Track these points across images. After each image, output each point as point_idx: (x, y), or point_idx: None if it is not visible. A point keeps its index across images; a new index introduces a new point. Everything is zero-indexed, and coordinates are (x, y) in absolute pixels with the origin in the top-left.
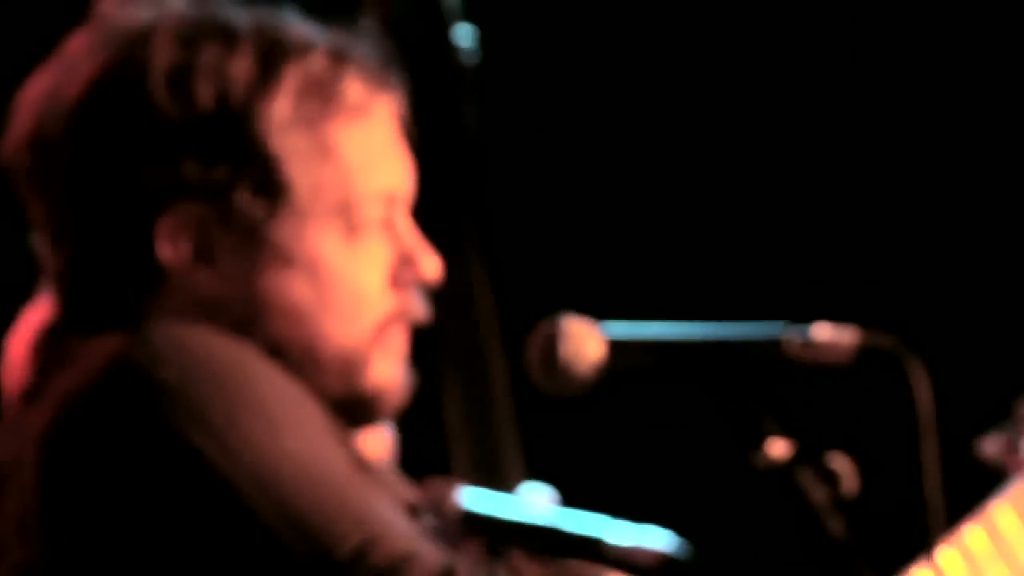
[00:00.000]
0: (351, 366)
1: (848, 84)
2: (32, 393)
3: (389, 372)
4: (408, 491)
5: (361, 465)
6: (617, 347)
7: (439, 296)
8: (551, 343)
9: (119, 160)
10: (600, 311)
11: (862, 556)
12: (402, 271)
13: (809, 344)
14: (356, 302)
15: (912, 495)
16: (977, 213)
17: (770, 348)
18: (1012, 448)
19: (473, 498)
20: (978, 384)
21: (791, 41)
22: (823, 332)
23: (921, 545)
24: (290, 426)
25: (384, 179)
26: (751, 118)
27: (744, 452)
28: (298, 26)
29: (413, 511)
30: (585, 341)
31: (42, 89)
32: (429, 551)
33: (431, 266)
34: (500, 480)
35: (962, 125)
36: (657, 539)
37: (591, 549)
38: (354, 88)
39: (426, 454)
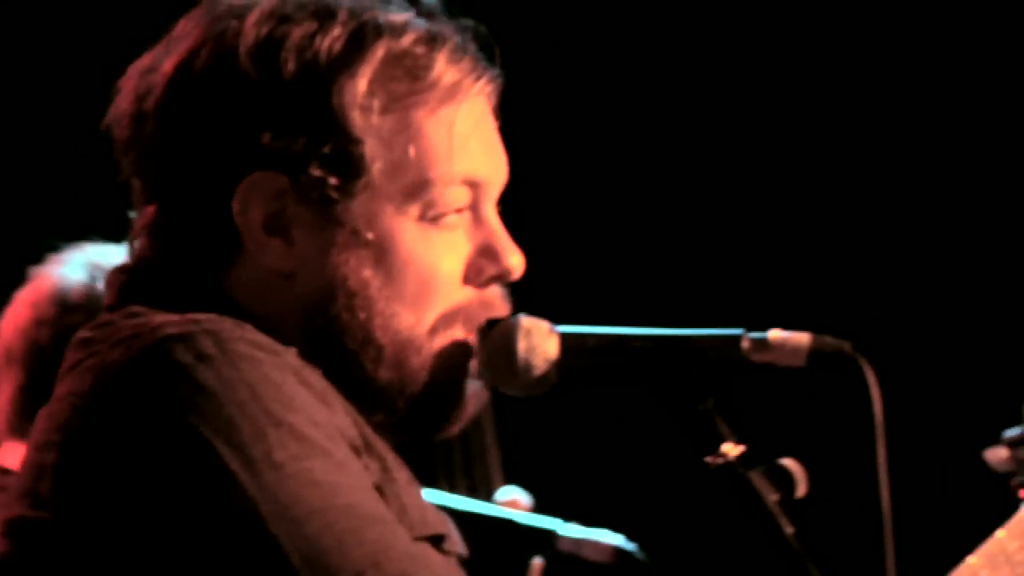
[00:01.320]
0: (404, 356)
1: (797, 109)
2: (89, 341)
3: (440, 375)
4: (434, 514)
5: (389, 485)
6: (574, 345)
7: None
8: (508, 340)
9: (203, 129)
10: (578, 316)
11: (813, 557)
12: (480, 264)
13: (764, 345)
14: (425, 288)
15: (864, 496)
16: (926, 223)
17: (726, 348)
18: (1016, 461)
19: (436, 496)
20: (929, 387)
21: (738, 69)
22: (778, 334)
23: (872, 545)
24: (319, 452)
25: (469, 165)
26: (715, 142)
27: (698, 453)
28: (400, 12)
29: (439, 540)
30: (541, 338)
31: (143, 66)
32: None
33: (514, 262)
34: (483, 483)
35: (905, 142)
36: (608, 536)
37: (544, 540)
38: (446, 71)
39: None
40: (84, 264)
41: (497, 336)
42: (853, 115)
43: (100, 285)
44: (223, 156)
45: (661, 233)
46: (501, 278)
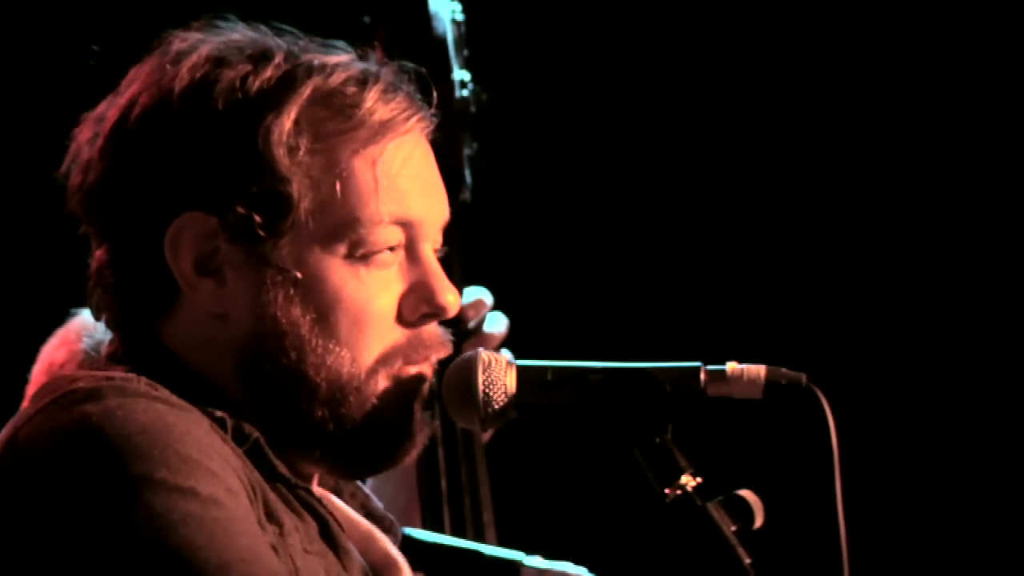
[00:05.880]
0: (341, 395)
1: (750, 141)
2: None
3: (384, 411)
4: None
5: (283, 548)
6: (533, 378)
7: None
8: (468, 374)
9: (139, 171)
10: (538, 350)
11: None
12: (414, 301)
13: (722, 377)
14: (357, 325)
15: (821, 525)
16: (878, 257)
17: (684, 381)
18: None
19: (412, 530)
20: (884, 418)
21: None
22: (735, 367)
23: (830, 574)
24: (224, 497)
25: (398, 205)
26: (671, 175)
27: (657, 485)
28: (341, 55)
29: None
30: (501, 372)
31: (95, 115)
32: None
33: (449, 299)
34: (473, 513)
35: (848, 173)
36: (571, 568)
37: (509, 572)
38: (376, 109)
39: None
40: None
41: (456, 370)
42: (802, 151)
43: None
44: (157, 197)
45: (618, 267)
46: (436, 316)
